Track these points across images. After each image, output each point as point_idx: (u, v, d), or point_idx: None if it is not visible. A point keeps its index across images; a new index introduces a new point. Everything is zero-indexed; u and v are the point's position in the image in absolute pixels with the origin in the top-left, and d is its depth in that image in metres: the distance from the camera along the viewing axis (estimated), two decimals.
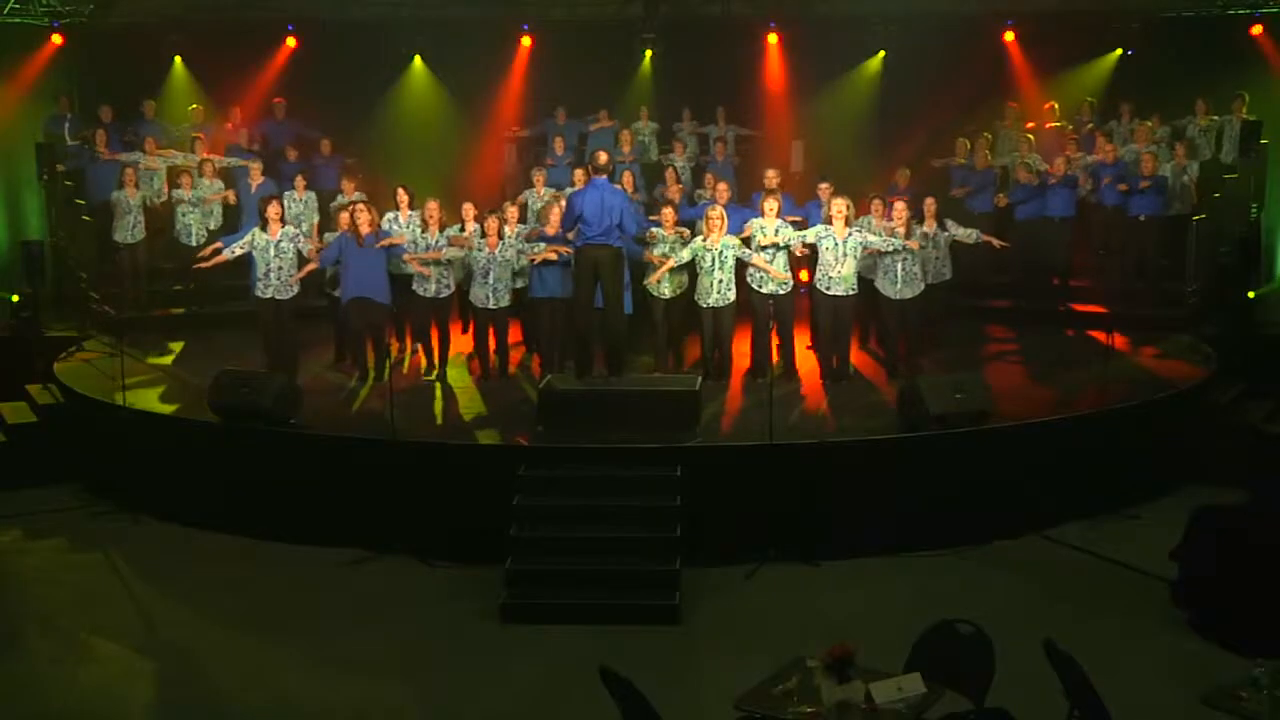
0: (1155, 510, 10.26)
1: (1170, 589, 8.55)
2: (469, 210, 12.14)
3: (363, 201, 11.99)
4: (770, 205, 11.46)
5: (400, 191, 12.50)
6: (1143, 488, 10.55)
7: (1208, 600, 8.18)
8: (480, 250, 11.65)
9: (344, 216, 11.91)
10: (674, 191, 13.60)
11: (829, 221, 11.47)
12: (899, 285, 11.64)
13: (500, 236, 11.68)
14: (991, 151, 14.92)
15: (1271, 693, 5.62)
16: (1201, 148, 14.62)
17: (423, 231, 12.17)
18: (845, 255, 11.26)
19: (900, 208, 11.56)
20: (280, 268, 11.55)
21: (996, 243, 12.37)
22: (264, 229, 11.62)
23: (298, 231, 12.00)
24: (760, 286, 11.45)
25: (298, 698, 7.58)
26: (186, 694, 7.68)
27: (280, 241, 11.56)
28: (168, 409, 11.15)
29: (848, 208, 11.35)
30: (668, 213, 11.93)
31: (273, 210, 11.69)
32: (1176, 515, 8.87)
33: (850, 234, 11.28)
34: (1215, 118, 14.71)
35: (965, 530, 9.65)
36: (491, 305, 11.73)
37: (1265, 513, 8.56)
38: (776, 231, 11.30)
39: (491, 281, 11.65)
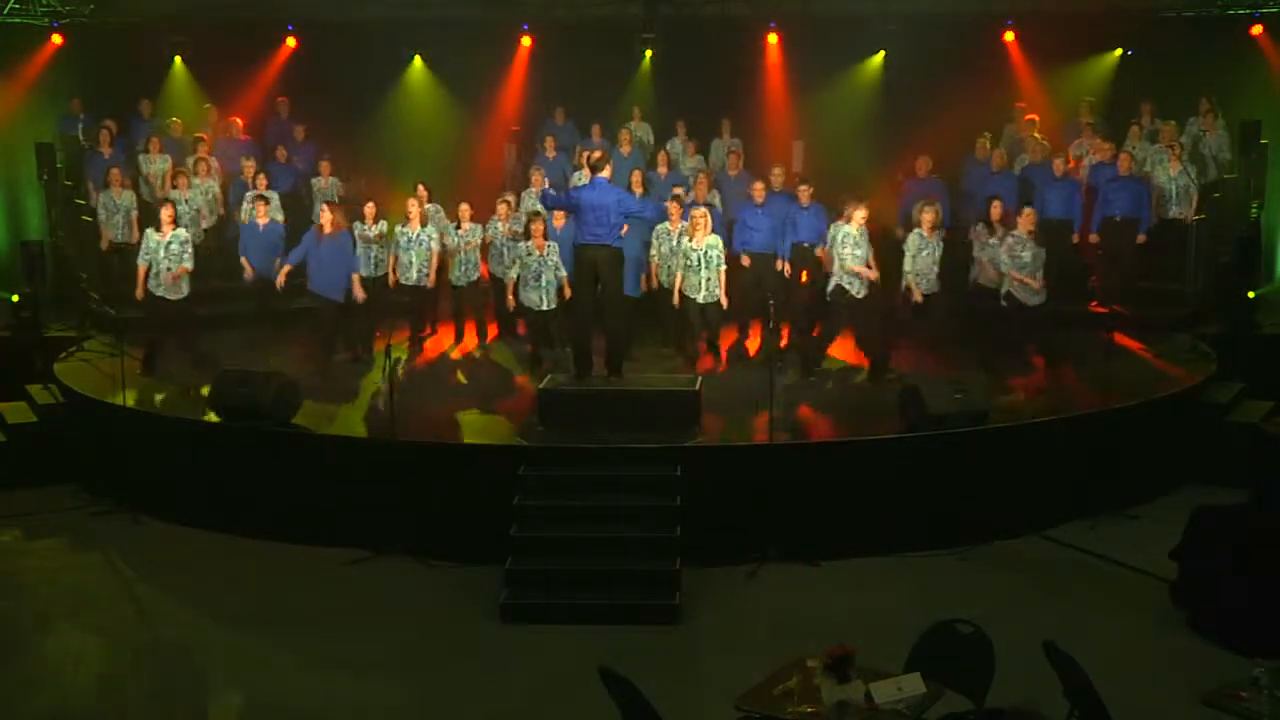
0: (1155, 510, 10.26)
1: (1170, 589, 8.56)
2: (413, 205, 12.81)
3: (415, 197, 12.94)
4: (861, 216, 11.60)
5: (420, 188, 13.23)
6: (1143, 488, 10.56)
7: (1208, 600, 8.18)
8: (530, 254, 11.85)
9: (369, 208, 12.85)
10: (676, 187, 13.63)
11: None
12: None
13: (545, 237, 11.88)
14: (1006, 152, 14.81)
15: (1271, 693, 5.63)
16: (1205, 155, 14.55)
17: (458, 228, 12.91)
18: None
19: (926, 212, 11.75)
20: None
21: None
22: (405, 225, 12.65)
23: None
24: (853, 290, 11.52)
25: (298, 697, 7.58)
26: (186, 694, 7.69)
27: (420, 235, 12.60)
28: (168, 409, 11.14)
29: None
30: (674, 207, 12.04)
31: (414, 207, 12.67)
32: (1176, 515, 8.87)
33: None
34: (1201, 122, 14.61)
35: (965, 530, 9.65)
36: (545, 306, 11.91)
37: (1265, 513, 8.57)
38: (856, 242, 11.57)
39: (544, 284, 11.83)
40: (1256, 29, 15.18)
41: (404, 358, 12.49)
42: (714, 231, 11.89)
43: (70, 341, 13.33)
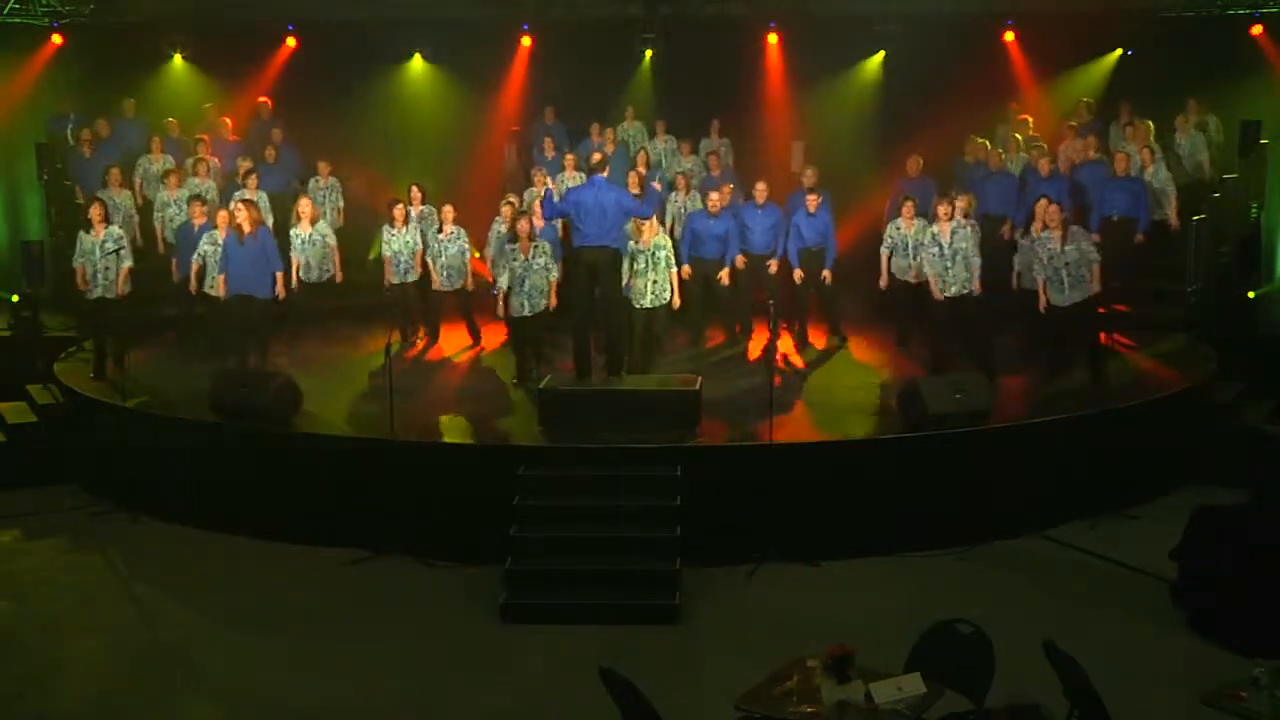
0: (1155, 510, 10.26)
1: (1170, 589, 8.56)
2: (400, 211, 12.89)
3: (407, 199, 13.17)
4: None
5: (414, 189, 13.26)
6: (1143, 488, 10.56)
7: (1208, 600, 8.18)
8: (515, 259, 11.34)
9: (399, 209, 12.85)
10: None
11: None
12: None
13: (531, 240, 11.36)
14: (1004, 151, 14.77)
15: (1271, 693, 5.63)
16: (1179, 156, 14.51)
17: (438, 231, 12.83)
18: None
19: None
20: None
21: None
22: (295, 225, 12.82)
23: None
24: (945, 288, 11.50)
25: (297, 697, 7.58)
26: (186, 694, 7.68)
27: (312, 235, 12.83)
28: (168, 409, 11.14)
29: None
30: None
31: (304, 207, 12.92)
32: (1176, 515, 8.87)
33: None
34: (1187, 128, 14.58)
35: (965, 530, 9.65)
36: (527, 312, 11.33)
37: (1265, 513, 8.57)
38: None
39: (527, 289, 11.27)
40: (1256, 29, 15.18)
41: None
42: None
43: (70, 341, 13.32)
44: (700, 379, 10.64)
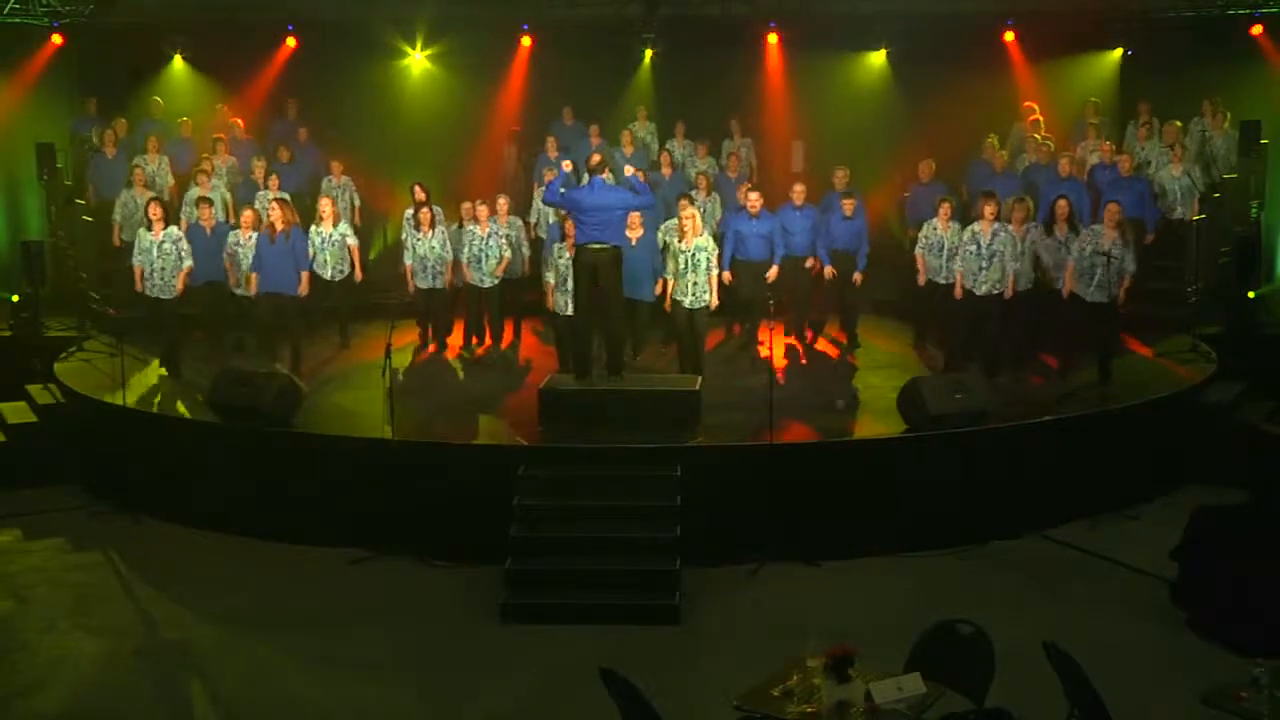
0: (1155, 510, 10.27)
1: (1170, 589, 8.56)
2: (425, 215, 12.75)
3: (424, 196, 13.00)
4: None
5: (416, 189, 13.18)
6: (1143, 488, 10.56)
7: (1208, 600, 8.19)
8: (560, 257, 11.58)
9: (425, 213, 12.68)
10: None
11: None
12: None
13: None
14: (1008, 152, 14.76)
15: (1271, 693, 5.63)
16: (1211, 156, 14.50)
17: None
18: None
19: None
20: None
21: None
22: (319, 225, 12.77)
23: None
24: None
25: (298, 698, 7.58)
26: (186, 694, 7.69)
27: (333, 235, 12.79)
28: (168, 409, 11.14)
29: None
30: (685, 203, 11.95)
31: (325, 206, 12.84)
32: (1176, 515, 8.89)
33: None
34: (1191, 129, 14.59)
35: (965, 530, 9.66)
36: (571, 311, 11.41)
37: (1265, 513, 8.57)
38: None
39: (570, 289, 11.33)
40: (1256, 29, 15.16)
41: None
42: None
43: (70, 341, 13.33)
44: (700, 379, 10.66)
